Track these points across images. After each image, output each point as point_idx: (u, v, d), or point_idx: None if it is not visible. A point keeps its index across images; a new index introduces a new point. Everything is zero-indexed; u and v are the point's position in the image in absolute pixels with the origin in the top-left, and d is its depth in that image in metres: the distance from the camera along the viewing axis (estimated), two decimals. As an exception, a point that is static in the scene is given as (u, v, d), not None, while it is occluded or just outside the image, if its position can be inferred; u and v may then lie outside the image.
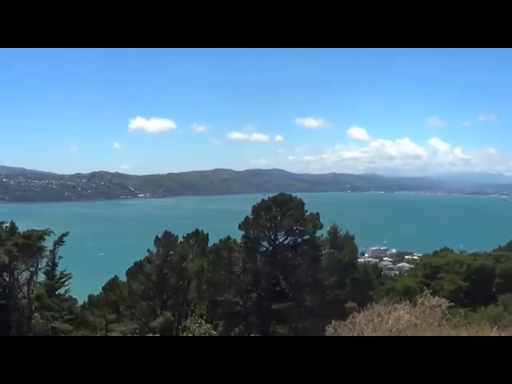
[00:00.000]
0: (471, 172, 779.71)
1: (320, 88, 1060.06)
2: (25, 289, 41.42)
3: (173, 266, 50.32)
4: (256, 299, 48.65)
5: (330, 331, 13.88)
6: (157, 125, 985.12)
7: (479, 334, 11.68)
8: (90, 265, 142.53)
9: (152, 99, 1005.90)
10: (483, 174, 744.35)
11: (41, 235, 42.04)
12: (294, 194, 51.38)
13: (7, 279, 41.43)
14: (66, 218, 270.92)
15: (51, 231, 43.57)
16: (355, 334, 12.50)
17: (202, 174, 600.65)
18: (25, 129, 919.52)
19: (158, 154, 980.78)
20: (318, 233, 49.23)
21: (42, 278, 45.25)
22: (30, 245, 40.82)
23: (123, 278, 53.94)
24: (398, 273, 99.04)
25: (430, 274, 53.03)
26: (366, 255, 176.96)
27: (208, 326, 38.18)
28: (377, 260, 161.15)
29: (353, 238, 51.24)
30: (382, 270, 71.25)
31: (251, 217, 47.93)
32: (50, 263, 46.61)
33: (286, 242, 48.61)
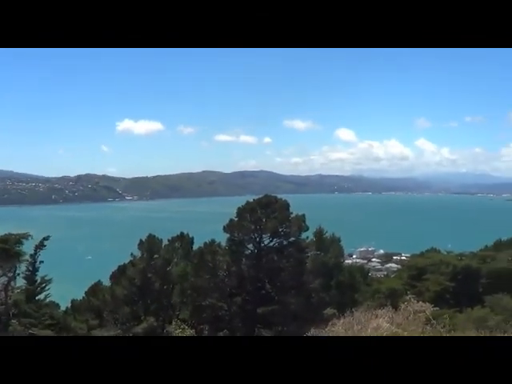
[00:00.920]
0: (457, 172, 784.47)
1: (308, 90, 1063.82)
2: (2, 295, 40.46)
3: (157, 269, 49.63)
4: (241, 303, 48.01)
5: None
6: (144, 127, 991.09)
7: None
8: (77, 268, 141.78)
9: (140, 101, 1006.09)
10: (469, 174, 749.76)
11: (18, 239, 41.01)
12: (280, 196, 50.87)
13: (-17, 285, 40.50)
14: (51, 220, 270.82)
15: (30, 235, 42.51)
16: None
17: (190, 177, 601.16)
18: (12, 131, 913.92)
19: (146, 157, 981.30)
20: (304, 235, 48.64)
21: (22, 283, 44.37)
22: (6, 249, 39.87)
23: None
24: (385, 273, 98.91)
25: (416, 275, 52.52)
26: (354, 256, 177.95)
27: (191, 331, 37.58)
28: (365, 261, 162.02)
29: (339, 240, 50.71)
30: (368, 272, 70.82)
31: (236, 219, 47.28)
32: (30, 268, 45.64)
33: (271, 245, 47.87)
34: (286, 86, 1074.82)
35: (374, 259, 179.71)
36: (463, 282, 49.15)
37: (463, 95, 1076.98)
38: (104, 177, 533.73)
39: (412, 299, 14.00)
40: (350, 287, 49.27)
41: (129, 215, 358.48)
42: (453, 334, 13.31)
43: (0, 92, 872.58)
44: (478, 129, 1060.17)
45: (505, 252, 56.79)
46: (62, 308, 51.51)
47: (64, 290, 65.90)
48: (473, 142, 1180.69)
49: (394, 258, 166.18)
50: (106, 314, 50.30)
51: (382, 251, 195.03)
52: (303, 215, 48.11)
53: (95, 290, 53.66)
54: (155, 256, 50.18)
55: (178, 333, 36.07)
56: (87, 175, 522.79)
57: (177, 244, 52.09)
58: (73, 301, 55.21)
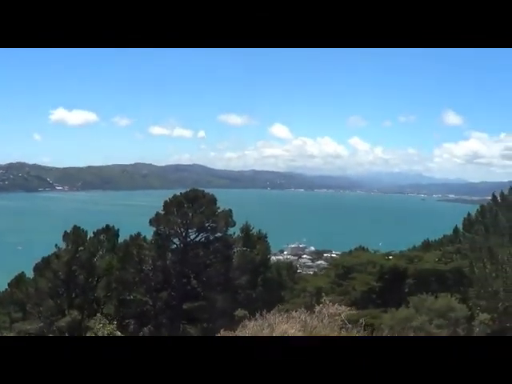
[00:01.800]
0: (390, 172, 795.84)
1: (245, 86, 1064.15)
2: None
3: (82, 262, 48.51)
4: (166, 298, 47.42)
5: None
6: (79, 117, 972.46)
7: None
8: (7, 259, 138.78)
9: (75, 90, 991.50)
10: (402, 174, 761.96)
11: None
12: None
13: None
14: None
15: None
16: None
17: (123, 169, 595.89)
18: None
19: (80, 147, 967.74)
20: (232, 230, 48.27)
21: None
22: None
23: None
24: (315, 271, 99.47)
25: (343, 273, 52.42)
26: (285, 253, 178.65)
27: (112, 326, 36.67)
28: (296, 257, 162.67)
29: (265, 236, 50.49)
30: (297, 269, 70.87)
31: (162, 213, 46.62)
32: None
33: (197, 240, 47.36)
34: (224, 81, 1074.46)
35: (304, 256, 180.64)
36: (390, 282, 49.31)
37: (397, 94, 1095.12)
38: (35, 166, 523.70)
39: (327, 301, 13.64)
40: (277, 285, 49.14)
41: (59, 205, 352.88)
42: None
43: None
44: (411, 129, 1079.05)
45: (432, 252, 57.29)
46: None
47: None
48: (406, 142, 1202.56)
49: (325, 255, 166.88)
50: (30, 307, 48.98)
51: (312, 248, 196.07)
52: (230, 210, 47.80)
53: (19, 281, 52.32)
54: (80, 248, 49.07)
55: (98, 328, 35.09)
56: (19, 163, 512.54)
57: (102, 237, 51.07)
58: (-5, 293, 53.91)
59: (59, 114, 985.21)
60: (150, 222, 46.95)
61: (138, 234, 48.26)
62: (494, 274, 36.38)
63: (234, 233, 48.63)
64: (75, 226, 50.20)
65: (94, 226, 52.34)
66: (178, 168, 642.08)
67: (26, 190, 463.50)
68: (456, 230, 61.10)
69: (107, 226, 52.15)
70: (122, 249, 48.24)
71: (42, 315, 47.80)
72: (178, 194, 47.82)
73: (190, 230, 46.70)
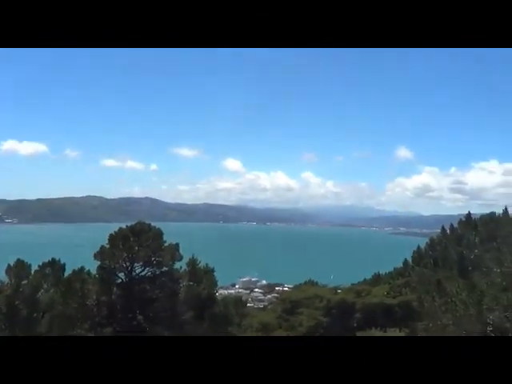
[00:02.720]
0: (342, 205, 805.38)
1: (197, 119, 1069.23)
2: None
3: (25, 297, 47.11)
4: (111, 334, 46.15)
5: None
6: (29, 148, 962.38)
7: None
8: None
9: (26, 122, 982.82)
10: (354, 208, 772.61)
11: None
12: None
13: None
14: None
15: None
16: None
17: (73, 201, 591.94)
18: None
19: (29, 179, 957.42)
20: (179, 264, 47.40)
21: None
22: None
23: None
24: (265, 304, 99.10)
25: (290, 308, 52.04)
26: (237, 286, 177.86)
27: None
28: (247, 291, 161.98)
29: (212, 270, 49.60)
30: (246, 303, 70.15)
31: (107, 246, 45.56)
32: None
33: (143, 274, 46.31)
34: (174, 115, 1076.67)
35: (256, 289, 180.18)
36: (338, 317, 48.96)
37: (352, 130, 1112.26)
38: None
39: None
40: (224, 320, 48.26)
41: (7, 238, 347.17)
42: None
43: None
44: (363, 164, 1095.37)
45: (381, 286, 57.31)
46: None
47: None
48: (358, 177, 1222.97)
49: (277, 288, 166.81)
50: (-30, 342, 47.36)
51: (264, 282, 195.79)
52: (177, 244, 46.83)
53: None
54: (23, 282, 47.74)
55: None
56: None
57: (47, 270, 49.78)
58: None
59: (9, 144, 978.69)
60: (95, 255, 45.83)
61: (82, 268, 47.08)
62: (442, 308, 36.22)
63: (181, 267, 47.78)
64: (18, 260, 48.90)
65: (41, 259, 51.08)
66: (129, 201, 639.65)
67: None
68: (405, 262, 61.30)
69: (53, 259, 50.87)
70: (65, 283, 47.00)
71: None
72: (124, 227, 46.95)
73: (135, 264, 45.74)
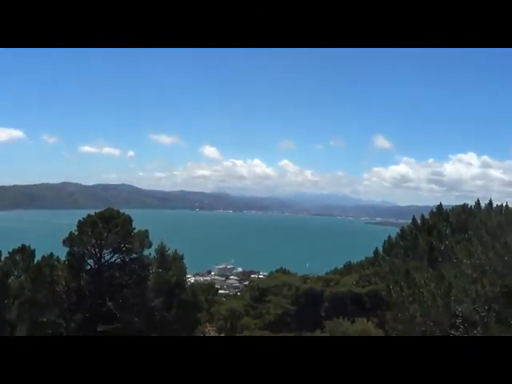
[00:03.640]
0: (319, 194, 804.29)
1: (175, 106, 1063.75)
2: None
3: (-5, 283, 46.92)
4: (80, 320, 46.03)
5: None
6: (5, 134, 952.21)
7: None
8: None
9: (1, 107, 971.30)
10: (331, 196, 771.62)
11: None
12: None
13: None
14: None
15: None
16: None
17: (50, 187, 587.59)
18: None
19: (5, 165, 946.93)
20: (148, 252, 47.29)
21: None
22: None
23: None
24: (242, 291, 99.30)
25: (258, 296, 52.11)
26: (213, 273, 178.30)
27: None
28: (223, 278, 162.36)
29: (182, 257, 49.46)
30: (218, 290, 70.19)
31: (76, 233, 45.34)
32: None
33: (112, 260, 46.18)
34: (153, 102, 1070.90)
35: (232, 276, 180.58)
36: (306, 306, 49.07)
37: (330, 117, 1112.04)
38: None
39: (209, 327, 13.14)
40: (193, 307, 48.27)
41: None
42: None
43: None
44: (340, 152, 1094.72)
45: (350, 275, 57.45)
46: None
47: None
48: (336, 166, 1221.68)
49: (252, 276, 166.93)
50: None
51: (240, 269, 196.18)
52: (146, 231, 46.73)
53: None
54: (-6, 269, 47.56)
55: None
56: None
57: (17, 257, 49.55)
58: None
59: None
60: (64, 242, 45.62)
61: (51, 255, 46.85)
62: (410, 298, 36.40)
63: (150, 254, 47.68)
64: (-12, 247, 48.71)
65: (13, 245, 50.80)
66: (106, 187, 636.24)
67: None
68: (376, 252, 61.35)
69: (23, 245, 50.60)
70: (34, 269, 46.80)
71: (-48, 339, 46.01)
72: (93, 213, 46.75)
73: (104, 251, 45.59)
